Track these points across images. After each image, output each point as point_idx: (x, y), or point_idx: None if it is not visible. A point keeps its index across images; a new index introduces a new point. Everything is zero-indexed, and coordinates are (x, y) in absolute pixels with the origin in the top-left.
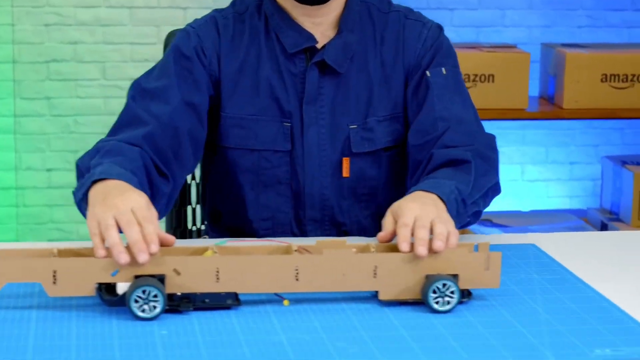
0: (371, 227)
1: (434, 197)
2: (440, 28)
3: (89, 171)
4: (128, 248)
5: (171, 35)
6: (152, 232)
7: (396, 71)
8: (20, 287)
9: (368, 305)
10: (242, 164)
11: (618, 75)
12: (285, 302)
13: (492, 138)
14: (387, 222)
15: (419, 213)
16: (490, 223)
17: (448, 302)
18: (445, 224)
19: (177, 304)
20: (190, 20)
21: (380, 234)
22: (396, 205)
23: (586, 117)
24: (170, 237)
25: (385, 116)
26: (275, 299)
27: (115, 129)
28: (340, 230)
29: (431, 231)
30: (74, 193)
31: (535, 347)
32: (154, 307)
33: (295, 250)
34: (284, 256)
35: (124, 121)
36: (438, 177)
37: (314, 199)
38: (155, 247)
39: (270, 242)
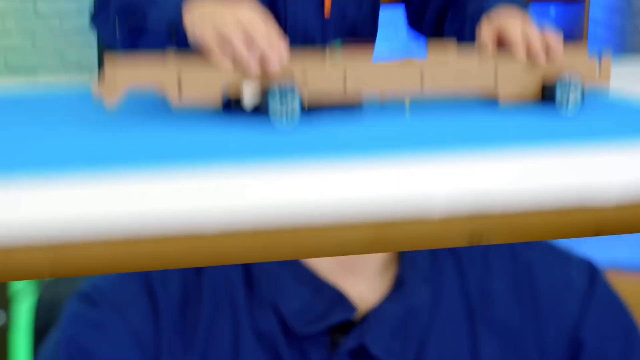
0: None
1: (517, 9)
2: None
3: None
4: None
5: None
6: (278, 41)
7: None
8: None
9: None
10: None
11: None
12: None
13: None
14: (487, 32)
15: (523, 26)
16: None
17: (570, 100)
18: (551, 33)
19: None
20: None
21: (486, 45)
22: (495, 19)
23: None
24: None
25: None
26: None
27: None
28: None
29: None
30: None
31: None
32: (293, 110)
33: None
34: (411, 61)
35: None
36: None
37: (296, 33)
38: (285, 55)
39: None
